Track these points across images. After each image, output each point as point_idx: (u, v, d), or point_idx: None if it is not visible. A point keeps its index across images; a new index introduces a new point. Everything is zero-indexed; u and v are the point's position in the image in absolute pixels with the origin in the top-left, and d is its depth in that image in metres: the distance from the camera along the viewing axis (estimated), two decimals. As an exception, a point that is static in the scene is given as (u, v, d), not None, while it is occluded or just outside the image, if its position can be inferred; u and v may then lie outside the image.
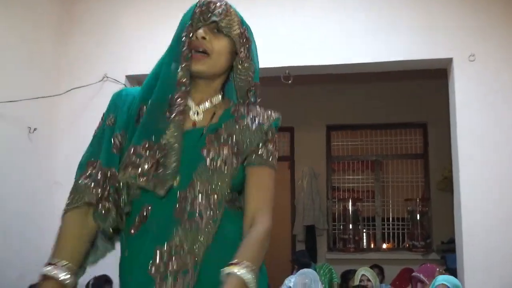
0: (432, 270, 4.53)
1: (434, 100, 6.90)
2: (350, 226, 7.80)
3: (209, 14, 1.65)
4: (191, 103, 1.70)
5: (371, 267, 5.54)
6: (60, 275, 1.54)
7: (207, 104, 1.72)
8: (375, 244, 7.92)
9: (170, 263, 1.53)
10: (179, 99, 1.61)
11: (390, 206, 7.99)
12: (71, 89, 4.89)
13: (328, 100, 7.72)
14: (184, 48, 1.63)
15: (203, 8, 1.66)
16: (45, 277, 1.56)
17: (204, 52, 1.65)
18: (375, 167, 8.06)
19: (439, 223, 7.28)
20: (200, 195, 1.59)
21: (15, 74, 4.42)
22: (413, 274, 4.71)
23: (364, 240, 7.98)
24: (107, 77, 4.91)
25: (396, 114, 7.58)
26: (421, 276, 4.44)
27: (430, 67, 4.86)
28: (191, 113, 1.69)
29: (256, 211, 1.64)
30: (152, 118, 1.62)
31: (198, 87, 1.70)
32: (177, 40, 1.67)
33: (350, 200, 7.91)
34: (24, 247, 4.43)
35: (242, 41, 1.71)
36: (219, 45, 1.67)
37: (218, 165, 1.63)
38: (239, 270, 1.45)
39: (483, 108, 4.44)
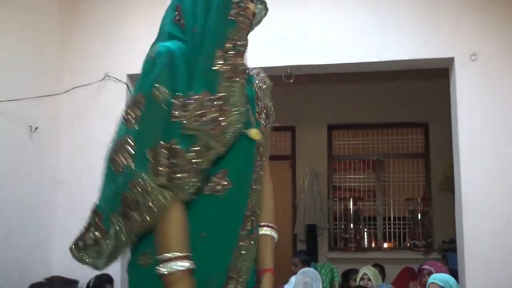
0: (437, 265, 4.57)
1: (435, 100, 6.88)
2: (351, 226, 7.80)
3: None
4: None
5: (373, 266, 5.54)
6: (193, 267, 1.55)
7: None
8: (376, 244, 7.92)
9: (250, 223, 1.73)
10: (240, 59, 1.66)
11: (391, 205, 7.98)
12: (73, 88, 4.89)
13: (329, 99, 7.72)
14: (243, 16, 1.69)
15: None
16: (184, 272, 1.52)
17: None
18: (376, 167, 8.05)
19: (440, 223, 7.27)
20: (262, 158, 1.79)
21: (17, 73, 4.42)
22: (423, 267, 4.71)
23: (365, 240, 7.97)
24: (109, 76, 4.91)
25: (398, 114, 7.57)
26: (432, 269, 4.45)
27: (432, 67, 4.86)
28: None
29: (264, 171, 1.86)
30: (206, 69, 1.62)
31: None
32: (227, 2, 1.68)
33: (351, 200, 7.90)
34: (26, 246, 4.43)
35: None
36: None
37: (265, 129, 1.80)
38: (271, 232, 1.87)
39: (485, 108, 4.44)
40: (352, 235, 7.77)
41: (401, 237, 7.85)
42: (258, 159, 1.75)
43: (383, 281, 5.57)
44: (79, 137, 4.93)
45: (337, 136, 8.14)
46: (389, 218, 7.93)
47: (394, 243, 7.89)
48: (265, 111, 1.82)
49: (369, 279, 4.85)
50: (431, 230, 7.55)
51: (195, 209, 1.61)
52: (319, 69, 4.99)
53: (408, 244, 7.69)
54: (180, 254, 1.52)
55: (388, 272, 6.18)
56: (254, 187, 1.74)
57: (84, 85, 4.88)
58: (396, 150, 7.99)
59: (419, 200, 7.70)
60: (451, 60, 4.56)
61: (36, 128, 4.54)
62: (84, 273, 4.40)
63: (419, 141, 7.94)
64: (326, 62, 4.76)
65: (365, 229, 7.98)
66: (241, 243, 1.69)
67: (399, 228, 7.87)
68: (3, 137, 4.25)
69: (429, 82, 7.04)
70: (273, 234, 1.89)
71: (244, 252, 1.70)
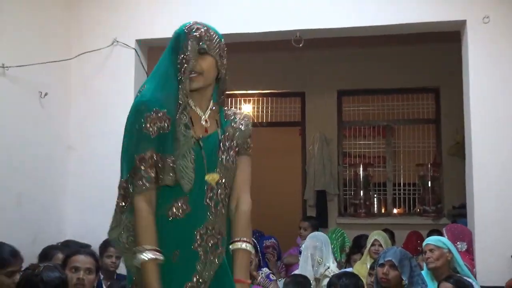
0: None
1: (447, 64, 6.81)
2: (361, 191, 7.81)
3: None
4: (200, 112, 2.21)
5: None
6: (160, 257, 2.03)
7: (209, 111, 2.23)
8: (386, 209, 7.93)
9: (207, 240, 2.10)
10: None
11: (401, 171, 7.96)
12: (82, 54, 4.88)
13: (339, 64, 7.64)
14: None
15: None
16: (149, 260, 2.01)
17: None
18: (386, 133, 8.02)
19: (450, 188, 7.26)
20: (219, 187, 2.16)
21: (26, 39, 4.41)
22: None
23: (375, 205, 7.98)
24: (117, 41, 4.89)
25: (408, 79, 7.50)
26: (444, 231, 4.45)
27: (443, 30, 4.80)
28: (202, 121, 2.20)
29: (240, 192, 2.24)
30: None
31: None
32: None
33: (361, 166, 7.90)
34: (38, 211, 4.48)
35: (223, 55, 2.23)
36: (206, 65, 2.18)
37: (229, 163, 2.19)
38: (246, 246, 2.17)
39: (497, 72, 4.39)
40: (362, 201, 7.79)
41: (411, 202, 7.85)
42: (214, 191, 2.15)
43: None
44: (88, 102, 4.94)
45: (347, 101, 8.09)
46: (399, 184, 7.92)
47: (404, 208, 7.90)
48: (237, 149, 2.24)
49: (380, 245, 4.85)
50: (441, 195, 7.55)
51: (161, 232, 2.07)
52: (328, 33, 4.93)
53: (418, 210, 7.69)
54: (147, 248, 2.01)
55: (397, 238, 6.20)
56: (213, 211, 2.13)
57: (93, 51, 4.87)
58: (407, 115, 7.94)
59: (429, 165, 7.67)
60: (463, 23, 4.50)
61: (45, 94, 4.55)
62: (96, 238, 4.46)
63: (430, 107, 7.88)
64: (336, 26, 4.71)
65: (375, 195, 7.99)
66: (203, 258, 2.09)
67: (409, 194, 7.87)
68: (13, 103, 4.26)
69: (441, 46, 6.96)
70: (244, 246, 2.16)
71: (208, 264, 2.10)
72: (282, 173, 8.75)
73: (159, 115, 2.04)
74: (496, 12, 4.39)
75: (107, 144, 4.84)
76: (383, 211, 7.95)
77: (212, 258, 2.11)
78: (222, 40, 2.25)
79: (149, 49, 5.17)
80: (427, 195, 7.58)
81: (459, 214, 6.43)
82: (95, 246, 4.36)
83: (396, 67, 7.47)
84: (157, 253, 2.01)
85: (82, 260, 3.30)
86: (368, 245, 4.96)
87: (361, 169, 7.88)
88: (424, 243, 4.04)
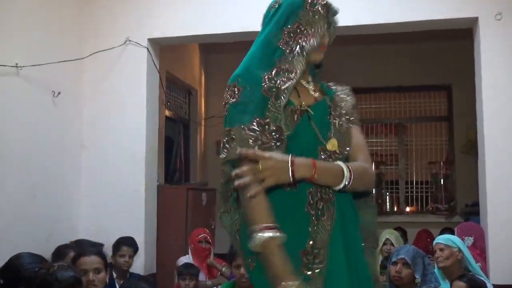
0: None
1: (459, 62, 6.78)
2: (373, 190, 7.78)
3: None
4: (304, 82, 2.14)
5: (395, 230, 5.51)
6: (281, 236, 1.86)
7: (312, 82, 2.19)
8: (398, 207, 7.92)
9: (318, 202, 1.97)
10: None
11: (414, 169, 7.95)
12: (94, 53, 4.91)
13: (350, 62, 7.61)
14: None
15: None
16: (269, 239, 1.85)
17: None
18: (398, 130, 8.01)
19: (463, 186, 7.23)
20: (334, 150, 2.06)
21: (39, 38, 4.44)
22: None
23: (387, 203, 7.97)
24: (129, 40, 4.91)
25: (420, 76, 7.48)
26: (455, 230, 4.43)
27: (455, 27, 4.77)
28: (311, 91, 2.15)
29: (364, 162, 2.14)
30: None
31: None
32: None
33: (373, 164, 7.87)
34: (53, 208, 4.51)
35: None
36: None
37: (343, 128, 2.13)
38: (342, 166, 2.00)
39: (510, 69, 4.36)
40: (374, 199, 7.76)
41: (424, 200, 7.84)
42: (326, 156, 2.04)
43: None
44: (101, 101, 4.96)
45: (359, 100, 7.91)
46: (412, 182, 7.91)
47: (417, 206, 7.89)
48: (346, 115, 2.18)
49: (392, 244, 4.84)
50: (454, 193, 7.53)
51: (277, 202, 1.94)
52: (340, 31, 4.89)
53: (431, 208, 7.67)
54: (263, 225, 1.84)
55: (410, 236, 6.19)
56: None
57: (106, 50, 4.89)
58: (419, 113, 7.92)
59: (441, 163, 7.66)
60: (475, 20, 4.47)
61: (59, 93, 4.57)
62: (109, 236, 4.49)
63: (442, 104, 7.86)
64: (347, 23, 4.68)
65: (388, 193, 7.99)
66: (315, 220, 1.95)
67: (422, 192, 7.86)
68: (27, 102, 4.29)
69: (453, 43, 6.93)
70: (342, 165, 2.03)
71: (321, 227, 1.96)
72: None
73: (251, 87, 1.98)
74: (508, 8, 4.36)
75: (120, 143, 4.87)
76: (395, 209, 7.94)
77: (324, 220, 1.95)
78: None
79: (161, 48, 5.19)
80: (439, 193, 7.57)
81: (472, 212, 6.40)
82: (108, 245, 4.39)
83: (408, 65, 7.45)
84: (273, 231, 1.83)
85: (88, 261, 3.29)
86: (380, 244, 4.95)
87: (373, 167, 7.86)
88: (434, 242, 4.03)
